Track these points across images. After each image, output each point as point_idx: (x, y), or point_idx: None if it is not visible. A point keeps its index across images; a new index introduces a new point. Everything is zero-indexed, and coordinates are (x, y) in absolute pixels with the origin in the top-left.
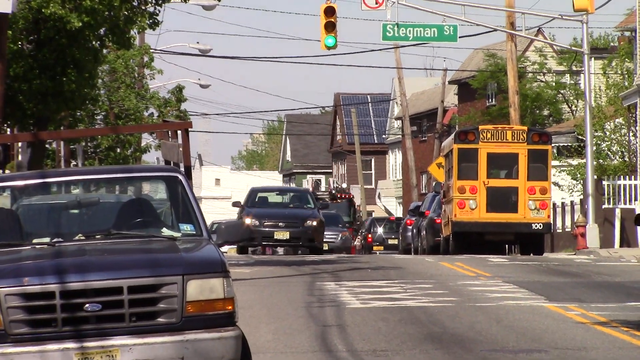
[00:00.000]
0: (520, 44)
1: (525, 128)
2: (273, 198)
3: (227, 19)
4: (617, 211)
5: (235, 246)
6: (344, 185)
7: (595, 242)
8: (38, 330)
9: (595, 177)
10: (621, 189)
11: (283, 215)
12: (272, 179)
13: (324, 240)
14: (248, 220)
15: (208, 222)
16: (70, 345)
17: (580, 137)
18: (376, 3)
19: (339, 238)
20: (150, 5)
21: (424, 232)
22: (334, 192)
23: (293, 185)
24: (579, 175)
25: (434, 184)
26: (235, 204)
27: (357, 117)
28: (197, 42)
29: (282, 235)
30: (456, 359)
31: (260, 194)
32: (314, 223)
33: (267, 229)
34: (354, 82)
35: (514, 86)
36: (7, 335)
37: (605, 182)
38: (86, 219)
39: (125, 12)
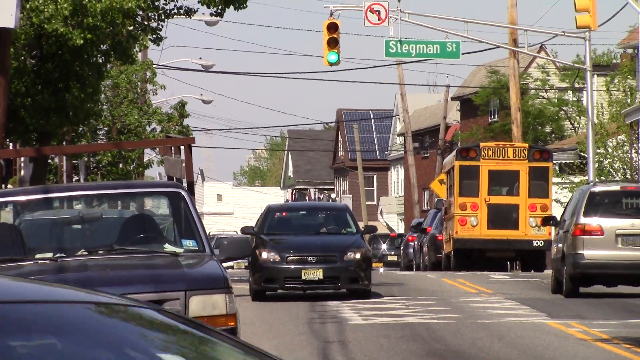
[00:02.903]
0: (522, 60)
1: (527, 145)
2: (298, 220)
3: (230, 35)
4: None
5: (249, 294)
6: (333, 196)
7: None
8: None
9: None
10: None
11: (313, 246)
12: (274, 194)
13: None
14: (265, 254)
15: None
16: None
17: (582, 154)
18: (379, 19)
19: None
20: (153, 20)
21: (426, 249)
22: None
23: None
24: None
25: (435, 200)
26: (245, 230)
27: (359, 133)
28: (200, 58)
29: (313, 274)
30: None
31: (279, 215)
32: (358, 255)
33: (291, 267)
34: (356, 98)
35: (516, 103)
36: None
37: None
38: (89, 234)
39: (129, 28)
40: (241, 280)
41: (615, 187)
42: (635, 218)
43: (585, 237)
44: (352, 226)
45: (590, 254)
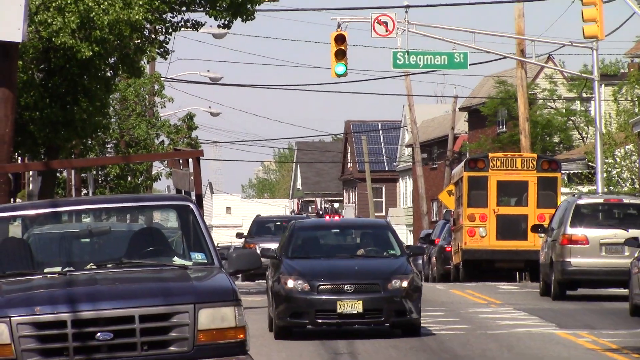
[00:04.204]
0: (530, 70)
1: (535, 155)
2: (328, 239)
3: (238, 47)
4: None
5: (269, 328)
6: (336, 206)
7: None
8: None
9: None
10: None
11: (351, 272)
12: (283, 207)
13: None
14: (290, 283)
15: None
16: None
17: (590, 163)
18: (386, 31)
19: None
20: (160, 34)
21: (435, 260)
22: (321, 212)
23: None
24: None
25: (444, 211)
26: (265, 254)
27: (367, 144)
28: (208, 70)
29: (351, 306)
30: None
31: (305, 234)
32: (405, 283)
33: (324, 297)
34: (364, 109)
35: (524, 113)
36: None
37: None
38: (97, 247)
39: (137, 41)
40: (249, 293)
41: (599, 200)
42: (618, 228)
43: (572, 246)
44: (396, 247)
45: (577, 261)
